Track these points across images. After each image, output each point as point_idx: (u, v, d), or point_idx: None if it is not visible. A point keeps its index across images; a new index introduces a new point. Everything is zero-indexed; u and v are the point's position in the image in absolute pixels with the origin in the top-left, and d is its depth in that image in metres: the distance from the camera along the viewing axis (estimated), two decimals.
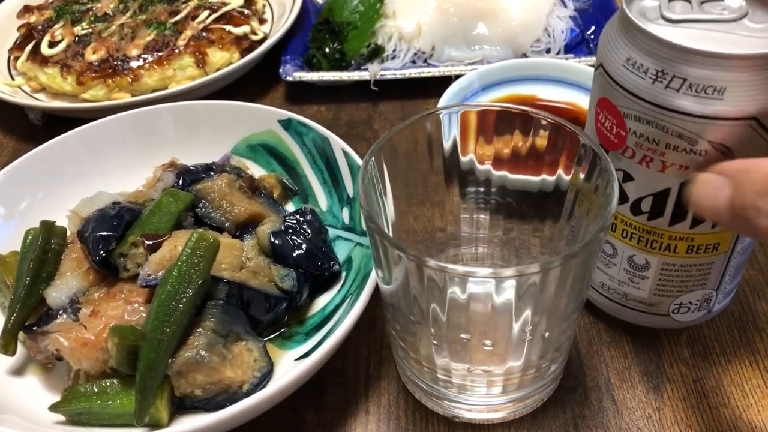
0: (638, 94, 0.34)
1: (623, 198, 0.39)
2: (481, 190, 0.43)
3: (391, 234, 0.41)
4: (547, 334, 0.36)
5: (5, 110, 0.72)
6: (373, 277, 0.42)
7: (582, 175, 0.37)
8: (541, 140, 0.39)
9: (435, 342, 0.37)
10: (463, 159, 0.42)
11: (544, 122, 0.38)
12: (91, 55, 0.72)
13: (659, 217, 0.38)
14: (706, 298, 0.42)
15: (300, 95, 0.73)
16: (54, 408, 0.41)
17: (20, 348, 0.45)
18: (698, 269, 0.40)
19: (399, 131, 0.39)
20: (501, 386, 0.39)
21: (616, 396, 0.43)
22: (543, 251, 0.44)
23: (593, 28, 0.74)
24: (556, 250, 0.42)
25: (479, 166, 0.42)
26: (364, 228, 0.47)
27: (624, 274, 0.42)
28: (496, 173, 0.42)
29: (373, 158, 0.37)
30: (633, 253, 0.41)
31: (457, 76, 0.63)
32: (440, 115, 0.39)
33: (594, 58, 0.53)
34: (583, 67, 0.62)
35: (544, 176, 0.40)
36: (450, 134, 0.40)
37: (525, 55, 0.71)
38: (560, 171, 0.39)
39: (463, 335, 0.36)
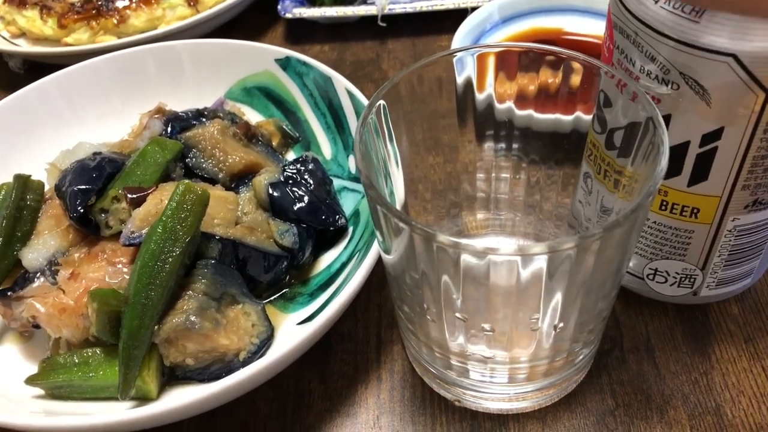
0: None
1: (603, 127, 0.34)
2: (502, 145, 0.39)
3: (398, 196, 0.36)
4: (580, 316, 0.32)
5: None
6: None
7: None
8: (575, 79, 0.34)
9: (446, 323, 0.33)
10: (499, 106, 0.37)
11: (576, 65, 0.33)
12: None
13: (627, 156, 0.33)
14: (687, 273, 0.38)
15: (301, 34, 0.70)
16: (31, 381, 0.38)
17: None
18: (675, 234, 0.36)
19: (410, 74, 0.34)
20: (525, 374, 0.35)
21: (658, 359, 0.40)
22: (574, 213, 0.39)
23: None
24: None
25: (498, 106, 0.37)
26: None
27: (599, 219, 0.38)
28: (520, 112, 0.37)
29: (373, 111, 0.32)
30: (605, 194, 0.36)
31: (474, 8, 0.60)
32: (454, 59, 0.34)
33: None
34: None
35: (578, 113, 0.35)
36: (473, 80, 0.35)
37: None
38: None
39: (481, 321, 0.32)
